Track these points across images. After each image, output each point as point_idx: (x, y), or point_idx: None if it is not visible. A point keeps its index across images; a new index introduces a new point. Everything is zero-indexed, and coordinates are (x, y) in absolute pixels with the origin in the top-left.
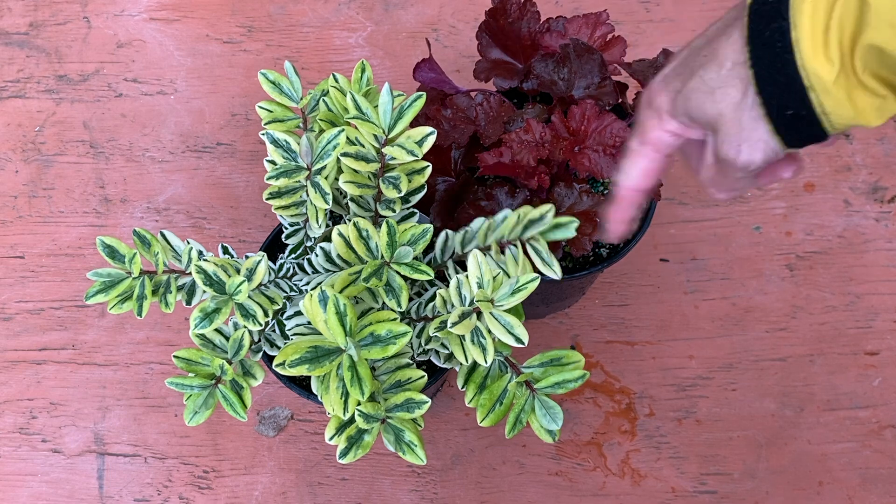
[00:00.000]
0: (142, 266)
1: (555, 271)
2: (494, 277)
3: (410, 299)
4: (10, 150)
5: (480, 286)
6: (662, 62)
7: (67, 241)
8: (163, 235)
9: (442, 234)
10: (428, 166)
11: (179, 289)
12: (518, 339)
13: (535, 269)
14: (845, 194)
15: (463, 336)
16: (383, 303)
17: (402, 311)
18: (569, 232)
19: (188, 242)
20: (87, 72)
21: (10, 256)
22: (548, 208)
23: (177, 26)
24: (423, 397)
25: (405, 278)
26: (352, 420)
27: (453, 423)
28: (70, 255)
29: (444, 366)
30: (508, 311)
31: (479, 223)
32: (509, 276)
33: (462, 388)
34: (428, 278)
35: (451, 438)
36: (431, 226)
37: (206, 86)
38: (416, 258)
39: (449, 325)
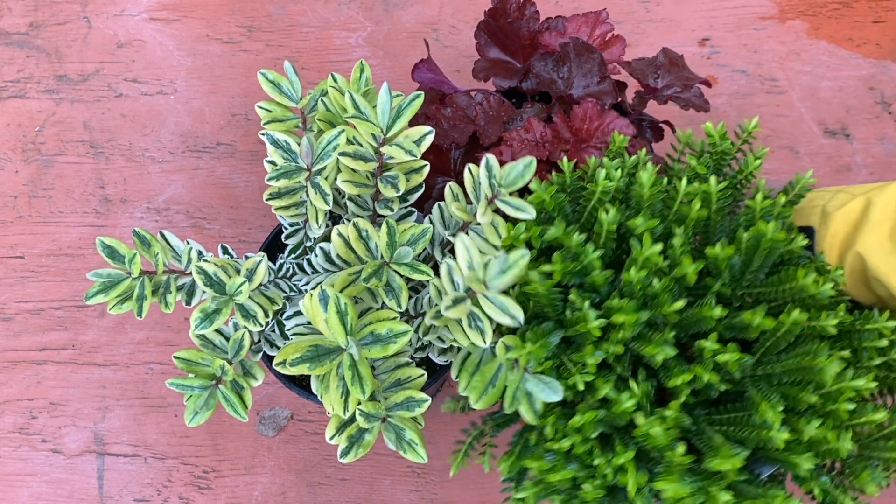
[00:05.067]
0: (141, 266)
1: (529, 212)
2: (485, 264)
3: (409, 297)
4: (10, 150)
5: (471, 268)
6: (661, 61)
7: (67, 241)
8: (162, 236)
9: (426, 222)
10: (426, 165)
11: (179, 289)
12: (514, 318)
13: (513, 221)
14: None
15: (461, 320)
16: (382, 302)
17: (401, 310)
18: (529, 172)
19: (188, 243)
20: (87, 72)
21: (10, 256)
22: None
23: (177, 26)
24: (423, 395)
25: (405, 278)
26: (352, 419)
27: (453, 423)
28: (70, 255)
29: (441, 360)
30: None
31: (448, 195)
32: (495, 247)
33: (456, 377)
34: (428, 278)
35: (451, 438)
36: (431, 226)
37: (206, 86)
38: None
39: (443, 309)
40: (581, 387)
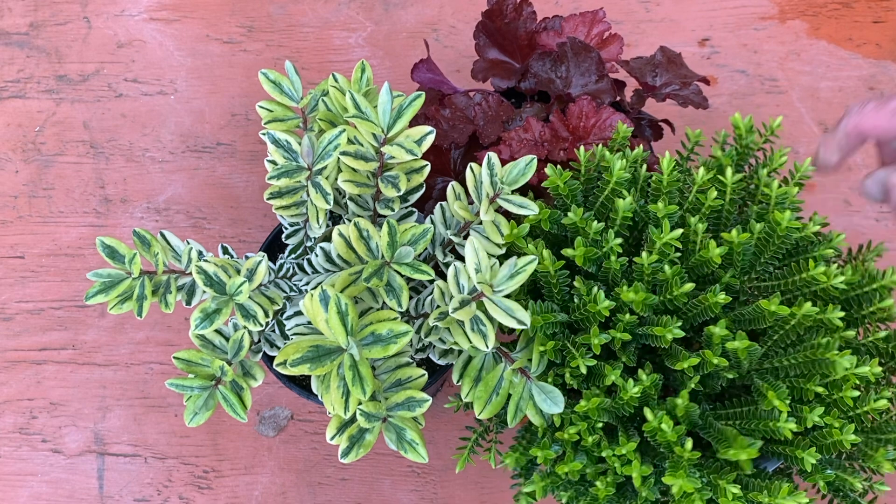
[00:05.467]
0: (142, 266)
1: (531, 209)
2: (492, 266)
3: (409, 297)
4: (10, 150)
5: (478, 270)
6: (659, 59)
7: (67, 241)
8: (162, 235)
9: (427, 222)
10: (426, 165)
11: (179, 289)
12: (520, 322)
13: (515, 219)
14: (845, 194)
15: (463, 323)
16: (383, 302)
17: (402, 310)
18: (531, 170)
19: (188, 242)
20: (87, 72)
21: (10, 256)
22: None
23: (177, 26)
24: (424, 395)
25: (405, 278)
26: (353, 419)
27: (453, 423)
28: (70, 255)
29: (441, 362)
30: (507, 296)
31: (450, 195)
32: (497, 245)
33: (457, 382)
34: (429, 278)
35: (451, 438)
36: (432, 226)
37: (206, 86)
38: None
39: (450, 310)
40: (583, 369)
